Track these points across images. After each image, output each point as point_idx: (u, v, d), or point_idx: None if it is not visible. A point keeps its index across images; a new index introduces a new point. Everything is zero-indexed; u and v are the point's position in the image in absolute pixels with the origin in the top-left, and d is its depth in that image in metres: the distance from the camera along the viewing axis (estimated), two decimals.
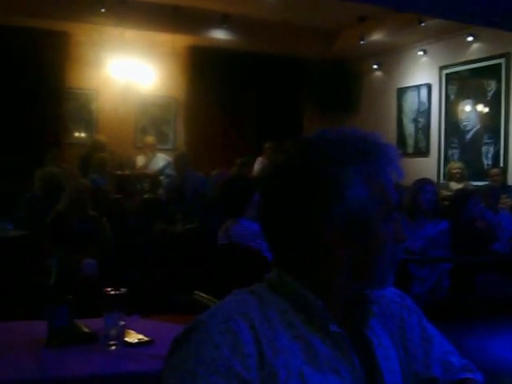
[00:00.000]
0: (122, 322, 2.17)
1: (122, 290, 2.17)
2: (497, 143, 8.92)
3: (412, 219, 5.23)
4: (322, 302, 1.10)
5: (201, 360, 1.01)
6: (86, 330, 2.27)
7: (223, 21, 9.53)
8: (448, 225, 5.20)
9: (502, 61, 8.83)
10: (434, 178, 9.42)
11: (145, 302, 4.33)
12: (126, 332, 2.24)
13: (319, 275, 1.12)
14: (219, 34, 9.92)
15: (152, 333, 2.30)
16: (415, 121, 10.31)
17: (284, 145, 1.21)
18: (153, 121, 10.60)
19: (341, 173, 1.08)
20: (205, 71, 10.37)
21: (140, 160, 9.70)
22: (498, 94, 8.88)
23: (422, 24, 8.90)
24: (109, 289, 2.17)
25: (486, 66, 9.07)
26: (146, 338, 2.23)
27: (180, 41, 10.04)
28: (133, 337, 2.23)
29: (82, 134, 10.22)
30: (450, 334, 4.29)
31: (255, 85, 10.63)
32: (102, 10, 8.69)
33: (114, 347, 2.14)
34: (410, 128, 10.42)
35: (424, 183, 5.33)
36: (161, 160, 9.52)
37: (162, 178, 8.81)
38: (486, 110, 9.09)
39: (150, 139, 9.82)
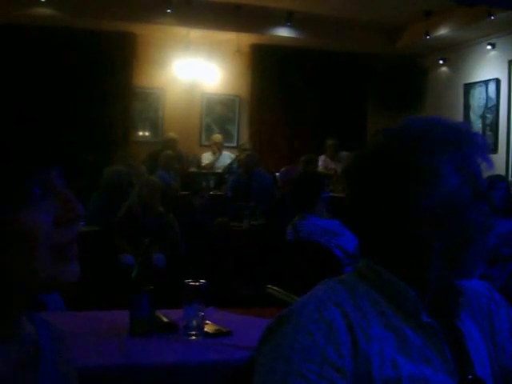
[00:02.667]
0: (202, 313, 2.23)
1: (202, 281, 2.23)
2: None
3: None
4: (414, 291, 1.12)
5: (295, 347, 1.03)
6: (165, 319, 2.34)
7: (287, 18, 9.55)
8: None
9: None
10: (503, 175, 9.21)
11: (216, 295, 4.42)
12: (205, 323, 2.29)
13: (410, 264, 1.13)
14: (283, 32, 9.94)
15: (229, 324, 2.35)
16: (483, 117, 10.07)
17: (373, 134, 1.22)
18: (217, 119, 10.73)
19: (432, 162, 1.09)
20: (268, 69, 10.43)
21: (205, 157, 9.85)
22: None
23: (492, 17, 8.69)
24: (189, 280, 2.24)
25: None
26: (224, 329, 2.28)
27: (244, 39, 10.12)
28: (211, 327, 2.29)
29: (149, 133, 10.44)
30: None
31: (318, 82, 10.60)
32: (168, 11, 8.85)
33: (194, 337, 2.20)
34: (477, 124, 10.18)
35: (496, 180, 5.22)
36: (227, 158, 9.63)
37: (227, 175, 8.92)
38: None
39: (218, 137, 9.94)
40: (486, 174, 1.17)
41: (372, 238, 1.18)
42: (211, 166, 9.55)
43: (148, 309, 2.27)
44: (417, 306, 1.12)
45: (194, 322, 2.21)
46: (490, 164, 1.15)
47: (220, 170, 9.20)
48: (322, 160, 9.38)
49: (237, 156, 9.26)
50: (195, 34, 9.60)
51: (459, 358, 1.14)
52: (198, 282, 2.23)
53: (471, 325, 1.22)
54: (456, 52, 10.43)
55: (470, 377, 1.13)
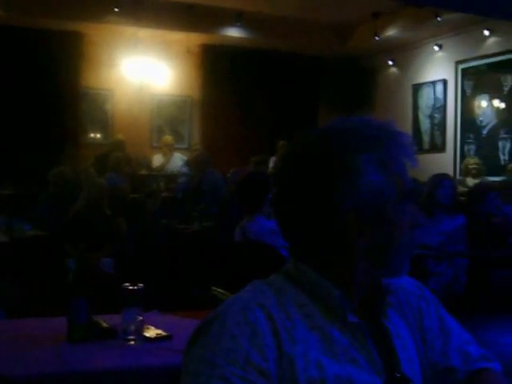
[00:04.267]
0: (140, 318, 2.18)
1: (140, 285, 2.18)
2: None
3: (429, 215, 5.21)
4: (340, 291, 1.11)
5: (219, 350, 1.03)
6: (104, 325, 2.28)
7: (237, 18, 9.55)
8: (465, 220, 5.18)
9: None
10: (451, 174, 9.39)
11: (162, 298, 4.37)
12: (145, 327, 2.25)
13: (336, 264, 1.12)
14: (234, 32, 9.94)
15: (170, 328, 2.31)
16: (431, 117, 10.26)
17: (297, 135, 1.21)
18: (168, 120, 10.64)
19: (355, 160, 1.08)
20: (220, 70, 10.39)
21: (156, 159, 9.75)
22: None
23: (438, 18, 8.85)
24: (127, 284, 2.19)
25: (502, 61, 9.02)
26: (164, 333, 2.24)
27: (194, 39, 10.08)
28: (151, 332, 2.25)
29: (98, 135, 10.29)
30: (467, 329, 4.29)
31: (270, 83, 10.62)
32: (116, 10, 8.75)
33: (132, 342, 2.15)
34: (425, 124, 10.37)
35: (442, 178, 5.31)
36: (178, 159, 9.56)
37: (178, 177, 8.85)
38: (503, 105, 9.04)
39: (169, 139, 9.86)
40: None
41: (298, 238, 1.16)
42: (162, 167, 9.46)
43: (86, 315, 2.21)
44: (342, 306, 1.10)
45: (133, 327, 2.16)
46: (414, 163, 1.15)
47: (171, 172, 9.13)
48: (273, 161, 9.38)
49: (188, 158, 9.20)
50: (144, 33, 9.51)
51: (386, 356, 1.14)
52: (136, 285, 2.18)
53: (400, 323, 1.21)
54: (404, 53, 10.60)
55: (397, 375, 1.13)
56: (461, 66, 9.66)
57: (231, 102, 10.51)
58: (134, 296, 2.17)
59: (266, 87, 10.61)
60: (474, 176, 8.46)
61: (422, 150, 10.30)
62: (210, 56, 10.52)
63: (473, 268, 5.17)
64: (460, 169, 9.33)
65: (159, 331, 2.26)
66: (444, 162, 9.73)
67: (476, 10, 7.21)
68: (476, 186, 6.40)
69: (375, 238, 1.11)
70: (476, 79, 9.43)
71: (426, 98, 10.32)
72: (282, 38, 10.11)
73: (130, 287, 2.18)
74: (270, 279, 1.17)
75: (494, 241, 5.29)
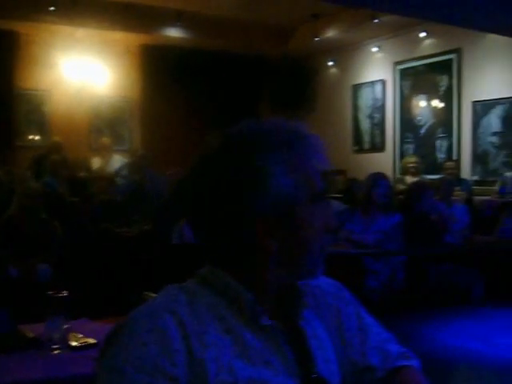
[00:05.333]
0: (66, 326, 2.11)
1: (64, 292, 2.12)
2: (450, 137, 9.08)
3: (366, 213, 5.28)
4: (253, 294, 1.10)
5: (128, 358, 1.01)
6: (29, 335, 2.21)
7: (177, 18, 9.47)
8: (401, 218, 5.27)
9: (453, 56, 9.00)
10: (390, 173, 9.55)
11: (99, 304, 4.28)
12: (72, 335, 2.18)
13: (249, 267, 1.11)
14: (173, 32, 9.85)
15: (98, 335, 2.25)
16: (370, 117, 10.42)
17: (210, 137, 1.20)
18: (108, 121, 10.45)
19: (264, 162, 1.07)
20: (160, 70, 10.27)
21: (96, 162, 9.57)
22: (450, 88, 9.05)
23: (376, 20, 8.99)
24: (51, 292, 2.12)
25: (438, 62, 9.24)
26: (90, 341, 2.18)
27: (133, 39, 9.95)
28: (78, 340, 2.18)
29: (36, 137, 10.03)
30: (405, 324, 4.38)
31: (211, 83, 10.58)
32: (51, 9, 8.53)
33: (57, 351, 2.09)
34: (365, 124, 10.53)
35: (378, 178, 5.38)
36: (117, 161, 9.40)
37: (117, 179, 8.70)
38: (439, 104, 9.25)
39: (106, 140, 9.71)
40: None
41: (211, 242, 1.15)
42: (101, 170, 9.29)
43: (8, 325, 2.14)
44: (255, 309, 1.09)
45: (57, 336, 2.09)
46: (325, 165, 1.14)
47: (110, 175, 8.97)
48: None
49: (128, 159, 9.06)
50: (81, 33, 9.33)
51: (301, 358, 1.13)
52: (61, 293, 2.11)
53: (317, 323, 1.22)
54: (344, 54, 10.73)
55: (313, 376, 1.13)
56: (399, 67, 9.85)
57: (172, 103, 10.40)
58: (58, 304, 2.10)
59: (208, 88, 10.57)
60: (413, 174, 8.63)
61: (362, 150, 10.48)
62: (150, 56, 10.41)
63: (410, 265, 5.26)
64: (399, 167, 9.50)
65: (86, 339, 2.20)
66: (384, 161, 9.90)
67: (411, 12, 7.34)
68: (412, 184, 6.51)
69: (286, 240, 1.10)
70: (414, 80, 9.63)
71: (366, 98, 10.48)
72: (223, 38, 10.08)
73: (54, 295, 2.11)
74: (184, 284, 1.15)
75: (430, 238, 5.40)
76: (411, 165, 8.77)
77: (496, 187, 7.88)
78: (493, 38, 8.22)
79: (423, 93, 9.48)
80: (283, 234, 1.09)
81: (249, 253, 1.10)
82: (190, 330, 1.04)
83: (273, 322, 1.10)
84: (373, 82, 10.33)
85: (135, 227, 6.54)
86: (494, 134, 8.54)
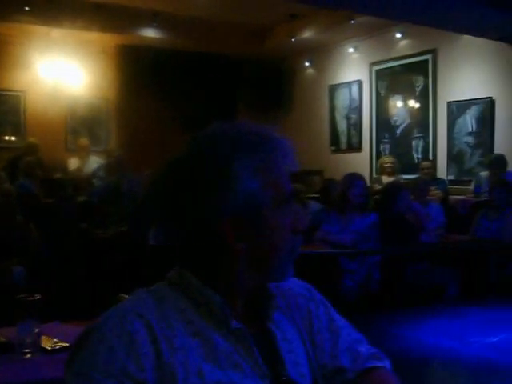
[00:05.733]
0: (38, 329, 2.09)
1: (36, 296, 2.10)
2: (426, 137, 9.16)
3: (342, 213, 5.30)
4: (223, 297, 1.10)
5: (96, 363, 1.01)
6: (1, 339, 2.18)
7: (153, 19, 9.43)
8: (377, 218, 5.30)
9: (429, 57, 9.07)
10: (367, 173, 9.62)
11: (76, 305, 4.26)
12: (44, 339, 2.16)
13: (217, 270, 1.12)
14: (150, 33, 9.81)
15: (71, 338, 2.23)
16: (347, 117, 10.47)
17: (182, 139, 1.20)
18: (84, 122, 10.38)
19: (231, 166, 1.07)
20: (136, 70, 10.22)
21: (72, 163, 9.50)
22: (425, 89, 9.13)
23: (352, 21, 9.03)
24: (23, 295, 2.10)
25: (414, 62, 9.31)
26: (63, 344, 2.16)
27: (109, 40, 9.89)
28: (50, 343, 2.16)
29: (12, 138, 9.93)
30: (381, 323, 4.40)
31: (188, 84, 10.55)
32: (27, 8, 8.45)
33: (29, 355, 2.07)
34: (342, 124, 10.58)
35: (353, 178, 5.41)
36: (94, 162, 9.34)
37: (95, 180, 8.64)
38: (415, 105, 9.33)
39: (84, 141, 9.64)
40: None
41: (181, 245, 1.15)
42: (78, 171, 9.22)
43: None
44: (224, 312, 1.10)
45: (29, 339, 2.07)
46: (294, 167, 1.15)
47: (87, 176, 8.91)
48: None
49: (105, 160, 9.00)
50: (57, 33, 9.24)
51: (271, 361, 1.13)
52: (33, 296, 2.09)
53: (288, 326, 1.22)
54: (321, 54, 10.77)
55: (283, 379, 1.13)
56: (375, 68, 9.91)
57: (149, 104, 10.35)
58: (29, 307, 2.08)
59: (184, 88, 10.53)
60: (389, 174, 8.70)
61: (339, 150, 10.53)
62: (127, 57, 10.34)
63: (386, 264, 5.30)
64: (376, 167, 9.56)
65: (58, 342, 2.18)
66: (361, 161, 9.96)
67: (387, 13, 7.39)
68: (387, 184, 6.56)
69: (255, 243, 1.10)
70: (390, 80, 9.70)
71: (342, 99, 10.53)
72: (199, 38, 10.06)
73: (26, 298, 2.09)
74: (153, 287, 1.15)
75: (406, 237, 5.44)
76: (388, 165, 8.84)
77: (471, 187, 7.97)
78: (468, 40, 8.30)
79: (399, 93, 9.55)
80: (251, 236, 1.09)
81: (217, 255, 1.10)
82: (158, 333, 1.04)
83: (242, 324, 1.11)
84: (349, 83, 10.38)
85: (112, 228, 6.51)
86: (469, 134, 8.63)
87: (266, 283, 1.18)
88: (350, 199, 5.25)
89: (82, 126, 10.35)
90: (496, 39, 7.62)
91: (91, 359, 1.02)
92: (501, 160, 7.52)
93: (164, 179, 1.16)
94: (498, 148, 8.10)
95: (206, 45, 10.26)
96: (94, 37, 9.55)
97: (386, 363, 1.31)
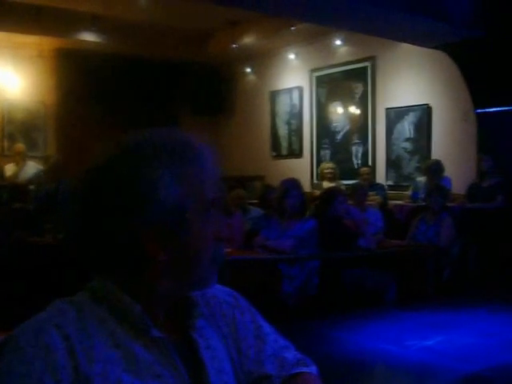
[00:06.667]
0: None
1: None
2: (365, 143, 9.31)
3: (281, 219, 5.32)
4: (144, 306, 1.08)
5: (12, 376, 0.98)
6: None
7: (92, 23, 9.29)
8: (315, 224, 5.34)
9: (368, 64, 9.23)
10: (308, 178, 9.72)
11: (12, 314, 4.12)
12: None
13: (138, 279, 1.09)
14: (89, 37, 9.67)
15: None
16: (288, 123, 10.55)
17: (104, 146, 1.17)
18: (21, 127, 10.14)
19: (153, 172, 1.06)
20: (75, 75, 10.05)
21: (9, 169, 9.27)
22: (365, 95, 9.28)
23: (292, 28, 9.11)
24: None
25: (353, 69, 9.46)
26: None
27: (47, 43, 9.70)
28: None
29: None
30: (320, 328, 4.41)
31: (128, 88, 10.44)
32: None
33: None
34: (283, 130, 10.66)
35: (289, 187, 5.42)
36: (32, 168, 9.13)
37: (31, 187, 8.44)
38: (355, 111, 9.47)
39: (21, 147, 9.41)
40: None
41: (102, 254, 1.12)
42: (15, 177, 8.99)
43: None
44: (145, 321, 1.08)
45: None
46: (217, 175, 1.15)
47: (24, 182, 8.70)
48: None
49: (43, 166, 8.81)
50: None
51: (193, 370, 1.12)
52: None
53: (212, 334, 1.21)
54: (262, 61, 10.82)
55: None
56: (315, 74, 10.02)
57: (89, 108, 10.20)
58: None
59: (125, 93, 10.42)
60: (330, 180, 8.80)
61: (280, 156, 10.60)
62: (65, 61, 10.17)
63: (324, 269, 5.34)
64: (316, 173, 9.66)
65: None
66: (301, 166, 10.05)
67: (326, 21, 7.48)
68: (325, 190, 6.62)
69: (176, 251, 1.09)
70: (330, 86, 9.82)
71: (283, 105, 10.61)
72: (140, 43, 9.98)
73: None
74: (73, 297, 1.12)
75: (344, 242, 5.51)
76: (328, 170, 8.94)
77: (409, 192, 8.13)
78: (406, 48, 8.48)
79: (339, 99, 9.69)
80: (173, 244, 1.08)
81: (138, 264, 1.08)
82: (76, 345, 1.02)
83: (164, 334, 1.09)
84: (290, 89, 10.47)
85: (48, 236, 6.36)
86: (407, 140, 8.81)
87: (189, 292, 1.17)
88: (286, 208, 5.29)
89: (18, 130, 10.11)
90: (433, 48, 7.81)
91: (6, 372, 0.98)
92: (437, 166, 7.69)
93: (85, 187, 1.13)
94: (435, 154, 8.29)
95: (146, 49, 10.18)
96: (31, 40, 9.36)
97: (313, 369, 1.30)
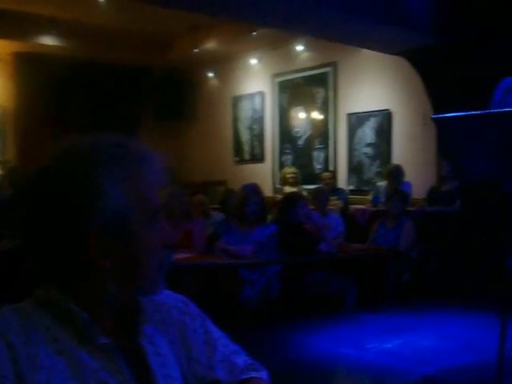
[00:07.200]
0: None
1: None
2: (327, 148, 9.38)
3: (242, 224, 5.32)
4: (91, 313, 1.07)
5: None
6: None
7: (52, 26, 9.16)
8: (275, 229, 5.36)
9: (329, 69, 9.30)
10: (270, 183, 9.75)
11: None
12: None
13: (83, 286, 1.09)
14: (48, 41, 9.53)
15: None
16: (250, 128, 10.57)
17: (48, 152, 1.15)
18: None
19: (97, 178, 1.05)
20: (34, 79, 9.92)
21: None
22: (326, 101, 9.35)
23: (254, 33, 9.13)
24: None
25: (315, 75, 9.52)
26: None
27: (5, 47, 9.54)
28: None
29: None
30: (281, 332, 4.41)
31: (89, 93, 10.34)
32: None
33: None
34: (245, 135, 10.67)
35: (249, 193, 5.42)
36: None
37: None
38: (316, 116, 9.53)
39: None
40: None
41: (47, 261, 1.11)
42: None
43: None
44: (90, 328, 1.07)
45: None
46: (163, 182, 1.14)
47: None
48: None
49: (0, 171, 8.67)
50: None
51: (140, 376, 1.12)
52: None
53: (161, 340, 1.20)
54: (224, 65, 10.83)
55: None
56: (277, 79, 10.06)
57: (49, 113, 10.06)
58: None
59: (87, 98, 10.32)
60: (292, 185, 8.84)
61: (242, 161, 10.61)
62: (25, 64, 10.03)
63: (285, 274, 5.36)
64: (279, 178, 9.69)
65: None
66: (264, 171, 10.07)
67: (288, 27, 7.50)
68: (285, 196, 6.65)
69: (122, 258, 1.08)
70: (292, 92, 9.87)
71: (246, 110, 10.63)
72: (101, 47, 9.88)
73: None
74: (18, 304, 1.11)
75: (304, 247, 5.53)
76: (290, 175, 8.98)
77: (370, 196, 8.21)
78: (367, 53, 8.56)
79: (301, 105, 9.74)
80: (118, 251, 1.07)
81: (82, 271, 1.07)
82: (19, 353, 1.01)
83: (110, 340, 1.08)
84: (252, 94, 10.49)
85: (6, 242, 6.24)
86: (368, 145, 8.90)
87: (136, 298, 1.16)
88: (246, 214, 5.29)
89: None
90: (393, 54, 7.90)
91: None
92: (397, 171, 7.78)
93: (28, 191, 1.12)
94: (396, 159, 8.39)
95: (107, 54, 10.08)
96: None
97: (263, 374, 1.31)
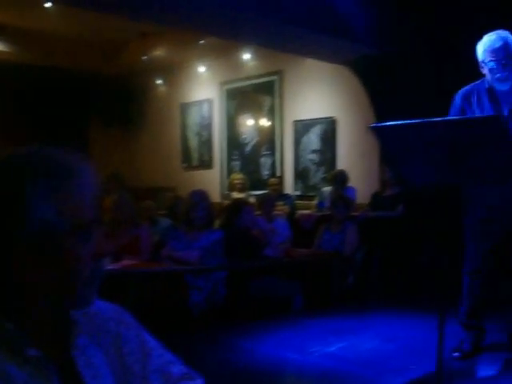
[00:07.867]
0: None
1: None
2: (273, 155, 9.49)
3: (188, 230, 5.36)
4: (21, 325, 1.06)
5: None
6: None
7: (0, 32, 9.01)
8: (221, 234, 5.41)
9: (275, 78, 9.43)
10: (218, 189, 9.80)
11: None
12: None
13: (12, 300, 1.08)
14: None
15: None
16: (199, 135, 10.61)
17: None
18: None
19: (25, 193, 1.03)
20: None
21: None
22: (272, 108, 9.47)
23: (201, 41, 9.17)
24: None
25: (262, 83, 9.63)
26: None
27: None
28: None
29: None
30: (227, 337, 4.41)
31: (36, 100, 10.19)
32: None
33: None
34: (193, 142, 10.70)
35: (196, 199, 5.45)
36: None
37: None
38: (263, 123, 9.63)
39: None
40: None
41: None
42: None
43: None
44: (18, 340, 1.06)
45: None
46: (96, 193, 1.13)
47: None
48: None
49: None
50: None
51: None
52: None
53: (94, 351, 1.20)
54: (173, 73, 10.84)
55: None
56: (225, 87, 10.14)
57: None
58: None
59: (32, 104, 10.17)
60: (240, 191, 8.91)
61: (191, 167, 10.63)
62: None
63: (231, 279, 5.41)
64: (227, 184, 9.74)
65: None
66: (212, 177, 10.12)
67: (233, 37, 7.58)
68: (231, 201, 6.71)
69: (52, 271, 1.06)
70: (239, 99, 9.96)
71: (194, 117, 10.66)
72: (49, 53, 9.74)
73: None
74: None
75: (250, 252, 5.59)
76: (238, 181, 9.04)
77: (315, 201, 8.34)
78: (312, 63, 8.70)
79: (248, 112, 9.83)
80: (47, 264, 1.06)
81: (14, 287, 1.06)
82: None
83: (40, 353, 1.07)
84: (200, 101, 10.53)
85: None
86: (314, 151, 9.05)
87: (67, 310, 1.16)
88: (193, 220, 5.33)
89: None
90: (337, 63, 8.06)
91: None
92: (342, 176, 7.93)
93: None
94: (340, 165, 8.55)
95: (55, 61, 9.95)
96: None
97: (198, 382, 1.32)
